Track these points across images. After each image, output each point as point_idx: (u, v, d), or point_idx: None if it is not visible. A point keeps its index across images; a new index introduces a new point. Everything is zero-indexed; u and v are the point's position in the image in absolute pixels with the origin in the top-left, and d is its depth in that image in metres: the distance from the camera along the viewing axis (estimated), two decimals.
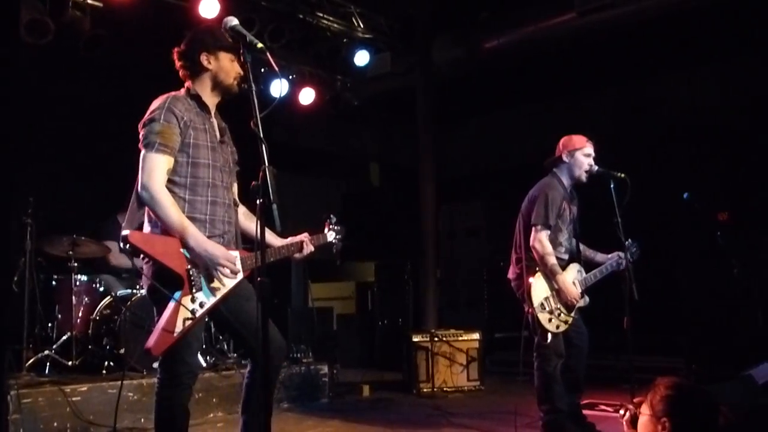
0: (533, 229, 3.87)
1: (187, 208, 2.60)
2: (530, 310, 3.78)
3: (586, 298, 3.95)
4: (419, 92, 7.59)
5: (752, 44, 6.62)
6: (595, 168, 3.95)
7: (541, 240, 3.82)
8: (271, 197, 2.23)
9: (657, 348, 5.98)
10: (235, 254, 2.67)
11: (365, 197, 9.84)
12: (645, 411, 2.18)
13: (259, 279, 2.25)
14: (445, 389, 5.92)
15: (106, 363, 4.74)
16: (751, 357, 3.59)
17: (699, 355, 5.76)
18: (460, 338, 6.04)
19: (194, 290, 2.51)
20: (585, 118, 7.87)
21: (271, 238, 2.85)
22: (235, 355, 5.31)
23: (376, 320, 7.97)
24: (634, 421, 2.28)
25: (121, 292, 5.07)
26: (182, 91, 2.74)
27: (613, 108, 7.97)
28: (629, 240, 3.93)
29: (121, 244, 2.48)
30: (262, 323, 2.26)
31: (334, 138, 9.31)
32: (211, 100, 2.76)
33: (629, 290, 3.57)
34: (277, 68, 2.55)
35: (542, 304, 3.77)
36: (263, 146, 2.31)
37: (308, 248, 2.89)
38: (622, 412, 2.40)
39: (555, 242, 3.90)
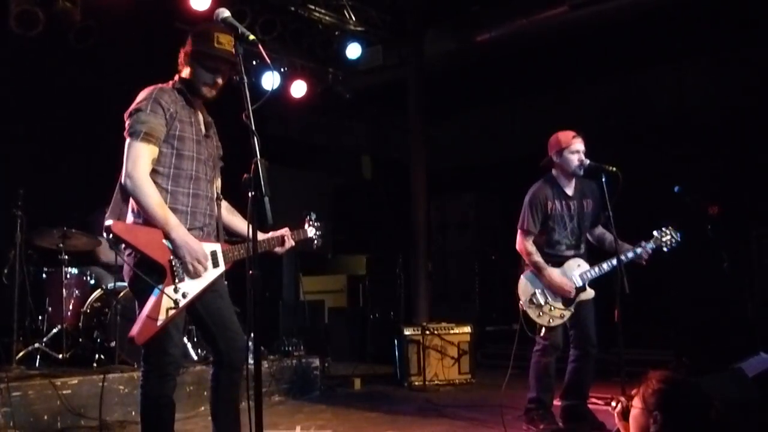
0: (519, 230, 4.03)
1: (169, 199, 2.63)
2: (521, 305, 3.92)
3: (590, 291, 3.98)
4: (411, 85, 7.57)
5: (741, 39, 6.65)
6: (587, 162, 3.96)
7: (523, 243, 3.99)
8: (263, 190, 2.23)
9: (647, 341, 6.02)
10: (215, 247, 2.70)
11: (357, 190, 9.85)
12: (637, 404, 2.19)
13: (250, 272, 2.25)
14: (436, 382, 5.93)
15: (96, 356, 4.72)
16: (741, 350, 3.62)
17: (689, 348, 5.79)
18: (452, 331, 6.05)
19: (177, 280, 2.55)
20: (575, 111, 7.89)
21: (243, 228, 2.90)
22: None
23: (367, 313, 7.98)
24: (625, 414, 2.29)
25: (111, 285, 5.04)
26: (170, 83, 2.76)
27: (604, 101, 7.97)
28: (662, 229, 3.97)
29: (105, 234, 2.50)
30: (253, 315, 2.27)
31: (325, 131, 9.30)
32: (196, 97, 2.78)
33: (620, 284, 3.59)
34: (269, 60, 2.54)
35: (531, 300, 3.89)
36: (255, 139, 2.30)
37: (289, 243, 2.95)
38: (614, 404, 2.40)
39: (551, 241, 4.00)
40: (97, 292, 5.05)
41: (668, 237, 3.99)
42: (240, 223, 2.92)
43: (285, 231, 2.94)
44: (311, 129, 9.09)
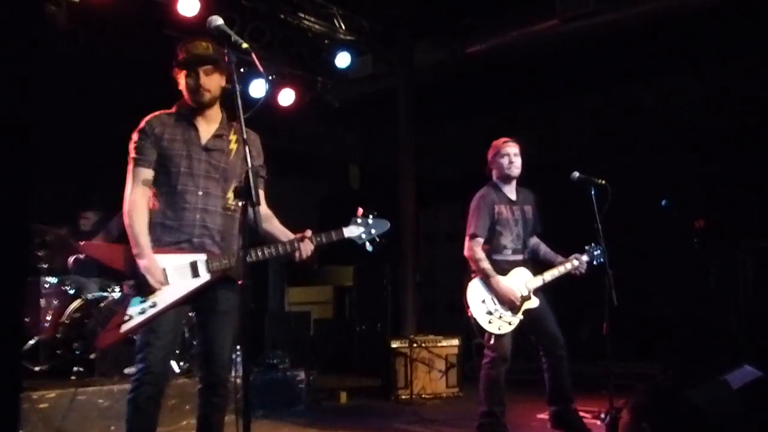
0: (466, 236, 4.18)
1: (160, 215, 2.82)
2: (468, 311, 4.02)
3: (535, 300, 4.08)
4: (400, 95, 7.59)
5: (730, 52, 6.75)
6: (576, 174, 4.03)
7: (471, 248, 4.12)
8: (254, 199, 2.29)
9: (634, 354, 6.03)
10: (197, 258, 2.77)
11: (344, 200, 9.85)
12: (625, 416, 2.23)
13: (240, 283, 2.31)
14: (423, 396, 5.93)
15: (75, 368, 4.65)
16: (726, 362, 3.69)
17: (675, 360, 5.86)
18: (439, 344, 6.06)
19: (143, 292, 2.71)
20: (563, 124, 7.97)
21: (281, 236, 2.92)
22: None
23: (354, 325, 7.96)
24: (614, 426, 2.33)
25: (93, 294, 4.99)
26: (175, 105, 2.96)
27: (592, 113, 8.05)
28: (592, 244, 4.16)
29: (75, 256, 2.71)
30: (241, 329, 2.29)
31: (313, 139, 9.29)
32: (197, 111, 2.91)
33: (609, 296, 3.65)
34: (261, 69, 2.63)
35: (479, 306, 4.01)
36: (246, 148, 2.37)
37: (306, 247, 2.83)
38: (603, 416, 2.45)
39: (498, 246, 4.15)
40: (77, 302, 4.94)
41: (598, 252, 4.16)
42: (273, 230, 2.96)
43: (307, 232, 2.87)
44: (299, 138, 9.08)
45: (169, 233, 2.80)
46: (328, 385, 6.36)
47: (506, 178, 4.22)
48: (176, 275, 2.74)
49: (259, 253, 2.77)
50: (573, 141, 7.71)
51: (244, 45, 2.45)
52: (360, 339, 7.82)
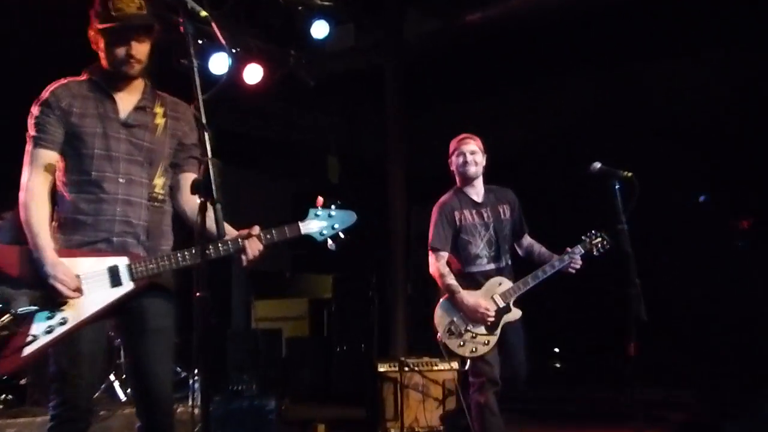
0: (429, 252, 4.31)
1: (71, 209, 2.74)
2: (438, 337, 4.16)
3: (515, 311, 4.21)
4: (388, 73, 7.60)
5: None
6: (597, 165, 4.03)
7: (435, 264, 4.27)
8: (214, 195, 2.26)
9: (665, 378, 5.99)
10: (117, 262, 2.68)
11: (321, 196, 9.83)
12: None
13: (198, 294, 2.24)
14: (416, 429, 5.91)
15: (3, 396, 4.67)
16: None
17: (714, 385, 5.87)
18: (435, 368, 6.02)
19: (51, 305, 2.61)
20: (577, 106, 7.94)
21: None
22: None
23: (333, 345, 7.96)
24: None
25: (22, 309, 4.91)
26: (84, 72, 2.86)
27: (610, 94, 8.01)
28: (592, 231, 4.27)
29: None
30: (198, 349, 2.26)
31: (284, 125, 9.28)
32: (116, 79, 2.83)
33: (636, 309, 3.65)
34: (223, 41, 2.61)
35: (449, 329, 4.15)
36: (206, 134, 2.33)
37: (253, 246, 2.74)
38: None
39: (470, 256, 4.29)
40: (5, 318, 4.90)
41: (598, 240, 4.27)
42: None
43: (254, 229, 2.76)
44: (267, 122, 9.07)
45: (81, 231, 2.72)
46: (304, 416, 6.35)
47: (465, 180, 4.38)
48: (91, 284, 2.65)
49: (189, 257, 2.69)
50: (584, 121, 7.70)
51: (203, 13, 2.42)
52: (341, 361, 7.82)
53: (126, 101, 2.84)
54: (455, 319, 4.14)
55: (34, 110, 2.75)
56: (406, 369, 5.99)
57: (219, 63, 6.55)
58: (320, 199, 2.88)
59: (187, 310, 2.54)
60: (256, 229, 2.75)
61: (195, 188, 2.30)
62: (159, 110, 2.90)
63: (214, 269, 2.64)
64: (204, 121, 2.35)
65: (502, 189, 4.49)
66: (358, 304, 7.58)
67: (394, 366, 6.02)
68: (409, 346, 7.21)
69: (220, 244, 2.68)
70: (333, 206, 2.88)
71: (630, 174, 3.84)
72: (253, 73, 7.07)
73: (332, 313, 8.22)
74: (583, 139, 7.16)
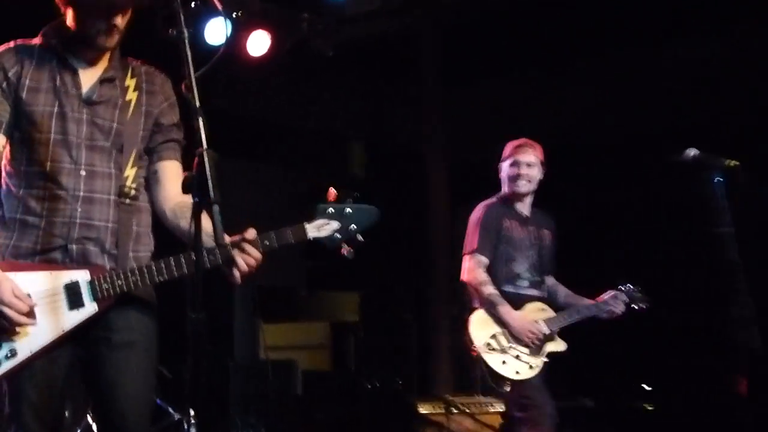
0: (464, 258, 4.63)
1: (18, 208, 2.73)
2: (473, 351, 4.44)
3: (561, 343, 4.57)
4: (425, 39, 7.65)
5: None
6: (693, 152, 3.97)
7: (471, 269, 4.57)
8: (211, 194, 2.24)
9: None
10: (79, 277, 2.66)
11: (343, 194, 9.82)
12: None
13: (192, 315, 2.21)
14: None
15: None
16: None
17: None
18: (489, 409, 5.99)
19: None
20: (663, 79, 7.77)
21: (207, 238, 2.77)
22: None
23: (361, 381, 7.90)
24: None
25: None
26: (39, 35, 2.85)
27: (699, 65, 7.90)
28: (628, 285, 4.71)
29: None
30: (191, 384, 2.25)
31: (297, 106, 9.27)
32: (82, 47, 2.81)
33: (747, 336, 3.62)
34: (219, 5, 2.61)
35: (489, 344, 4.44)
36: (200, 120, 2.32)
37: (248, 255, 2.66)
38: None
39: (510, 273, 4.61)
40: None
41: (640, 296, 4.73)
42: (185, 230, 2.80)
43: (249, 233, 2.69)
44: (276, 104, 9.07)
45: (30, 237, 2.70)
46: None
47: (513, 195, 4.72)
48: (44, 306, 2.63)
49: (168, 269, 2.65)
50: (666, 103, 7.61)
51: None
52: (371, 401, 7.78)
53: (89, 72, 2.83)
54: (496, 334, 4.42)
55: None
56: (454, 411, 5.97)
57: (215, 31, 6.60)
58: (332, 192, 2.79)
59: (178, 336, 2.50)
60: (251, 233, 2.67)
61: (187, 186, 2.28)
62: (130, 83, 2.88)
63: (213, 284, 2.56)
64: (197, 104, 2.33)
65: (545, 213, 4.84)
66: (392, 329, 7.59)
67: (439, 407, 6.01)
68: (455, 382, 7.22)
69: (206, 254, 2.57)
70: (349, 200, 2.77)
71: (736, 163, 3.79)
72: (259, 43, 7.12)
73: (359, 339, 8.17)
74: (674, 124, 7.09)
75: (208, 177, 2.23)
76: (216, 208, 2.26)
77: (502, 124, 9.13)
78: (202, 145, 2.28)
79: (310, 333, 8.66)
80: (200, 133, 2.31)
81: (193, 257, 2.47)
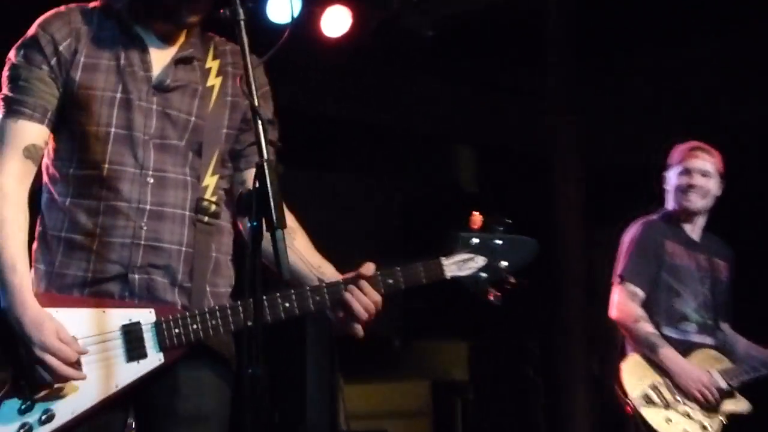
0: (612, 288, 4.66)
1: (67, 225, 2.70)
2: (628, 407, 4.41)
3: (743, 401, 4.54)
4: (551, 14, 7.69)
5: None
6: None
7: (622, 302, 4.58)
8: (274, 217, 2.26)
9: None
10: (141, 317, 2.63)
11: (448, 209, 9.70)
12: None
13: (250, 371, 2.21)
14: None
15: None
16: None
17: None
18: None
19: (30, 391, 2.54)
20: None
21: (309, 273, 2.81)
22: None
23: None
24: None
25: None
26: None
27: None
28: None
29: None
30: None
31: (385, 101, 9.25)
32: (155, 15, 2.78)
33: None
34: None
35: (647, 396, 4.41)
36: (260, 122, 2.37)
37: (365, 297, 2.68)
38: None
39: (673, 312, 4.63)
40: None
41: None
42: (297, 261, 2.79)
43: (366, 268, 2.70)
44: (358, 98, 9.07)
45: (79, 262, 2.67)
46: None
47: (682, 212, 4.74)
48: (92, 355, 2.59)
49: (265, 313, 2.58)
50: None
51: None
52: None
53: (162, 50, 2.82)
54: (657, 384, 4.42)
55: (12, 56, 2.74)
56: None
57: (282, 6, 6.65)
58: (477, 217, 2.78)
59: (233, 396, 2.72)
60: (369, 269, 2.69)
61: (242, 206, 2.31)
62: (212, 64, 2.88)
63: (278, 331, 2.65)
64: (256, 102, 2.36)
65: (720, 239, 4.87)
66: (512, 390, 7.45)
67: None
68: None
69: (309, 293, 2.65)
70: (499, 229, 2.79)
71: None
72: (337, 22, 7.21)
73: (470, 404, 8.26)
74: None
75: (270, 195, 2.25)
76: (279, 233, 2.25)
77: (655, 122, 8.93)
78: (261, 155, 2.31)
79: (404, 395, 8.76)
80: (259, 140, 2.34)
81: (293, 296, 2.66)
